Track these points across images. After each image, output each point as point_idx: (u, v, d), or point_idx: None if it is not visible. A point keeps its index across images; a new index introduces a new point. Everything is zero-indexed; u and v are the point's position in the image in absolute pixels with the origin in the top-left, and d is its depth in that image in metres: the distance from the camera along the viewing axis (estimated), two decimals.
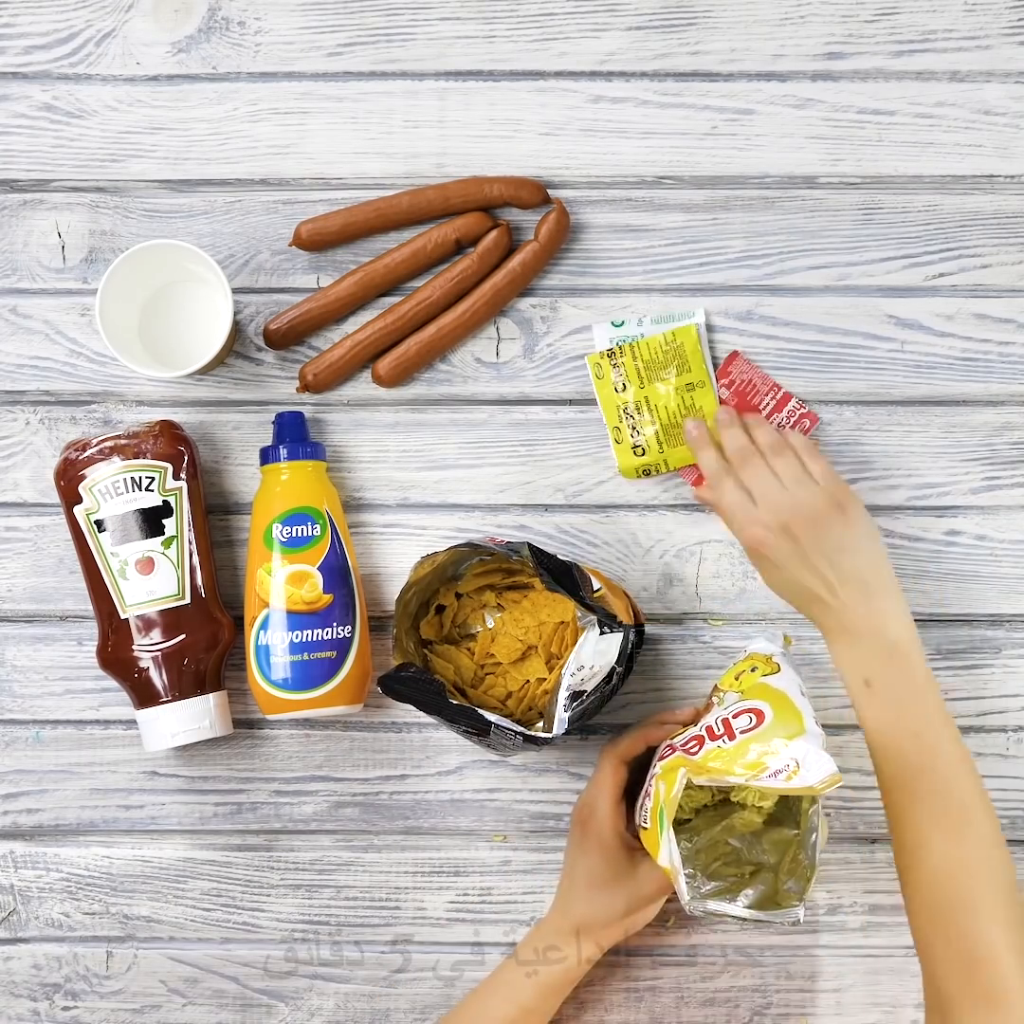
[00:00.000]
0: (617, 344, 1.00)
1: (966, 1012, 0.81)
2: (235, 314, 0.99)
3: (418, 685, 0.89)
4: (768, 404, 1.00)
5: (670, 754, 0.87)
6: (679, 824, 0.91)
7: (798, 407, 1.00)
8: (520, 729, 0.88)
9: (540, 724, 0.93)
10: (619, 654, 0.89)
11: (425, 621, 0.97)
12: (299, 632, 0.95)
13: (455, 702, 0.89)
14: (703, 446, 0.96)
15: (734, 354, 1.00)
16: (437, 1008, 0.99)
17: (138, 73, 1.01)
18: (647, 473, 1.00)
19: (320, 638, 0.95)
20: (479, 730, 0.88)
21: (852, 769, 0.99)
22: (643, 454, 0.99)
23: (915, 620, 1.00)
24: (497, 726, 0.87)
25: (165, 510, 0.95)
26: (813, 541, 0.90)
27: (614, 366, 0.99)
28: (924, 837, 0.84)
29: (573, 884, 0.93)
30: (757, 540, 0.91)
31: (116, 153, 1.01)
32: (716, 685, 0.93)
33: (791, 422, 1.00)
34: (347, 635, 0.96)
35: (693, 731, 0.87)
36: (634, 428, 0.99)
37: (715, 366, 1.00)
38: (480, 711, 0.88)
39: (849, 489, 0.92)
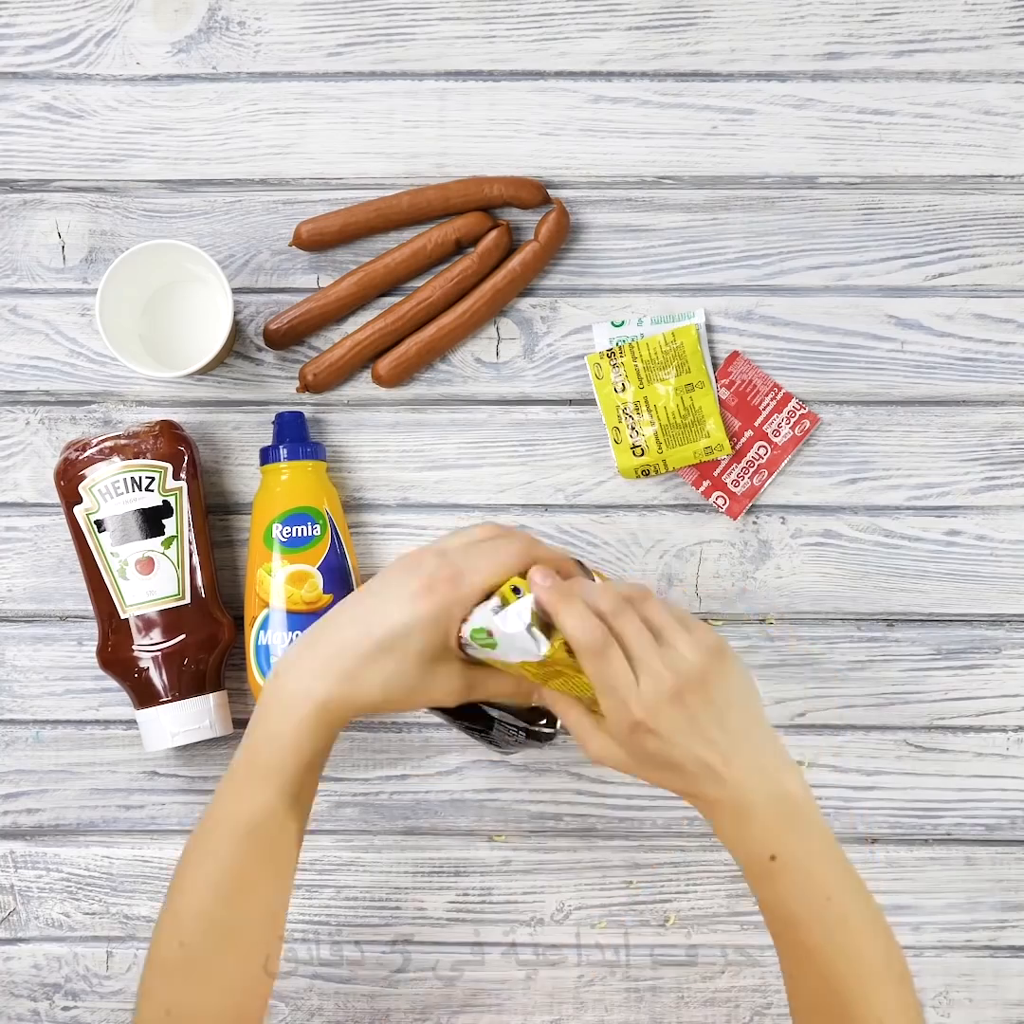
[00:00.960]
0: (617, 344, 1.00)
1: None
2: (235, 314, 0.99)
3: None
4: (768, 404, 1.00)
5: None
6: None
7: (798, 407, 1.00)
8: (523, 724, 0.88)
9: (544, 721, 0.93)
10: None
11: None
12: (299, 632, 0.95)
13: None
14: (569, 604, 0.75)
15: (734, 354, 1.00)
16: (437, 1008, 0.99)
17: (138, 73, 1.01)
18: (646, 473, 1.00)
19: None
20: (482, 725, 0.88)
21: (851, 769, 1.00)
22: (642, 454, 0.99)
23: (915, 620, 1.00)
24: (500, 722, 0.88)
25: (165, 510, 0.96)
26: (703, 704, 0.74)
27: (614, 366, 0.99)
28: (839, 999, 0.76)
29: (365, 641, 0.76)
30: (647, 715, 0.74)
31: (116, 153, 1.01)
32: None
33: (791, 422, 1.00)
34: None
35: None
36: (633, 428, 0.99)
37: (715, 366, 1.00)
38: (482, 706, 0.88)
39: (710, 626, 0.80)
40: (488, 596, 0.77)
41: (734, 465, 1.00)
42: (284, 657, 0.78)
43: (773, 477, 1.00)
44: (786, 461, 1.00)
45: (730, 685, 0.76)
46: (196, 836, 0.79)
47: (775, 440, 1.00)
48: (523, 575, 0.77)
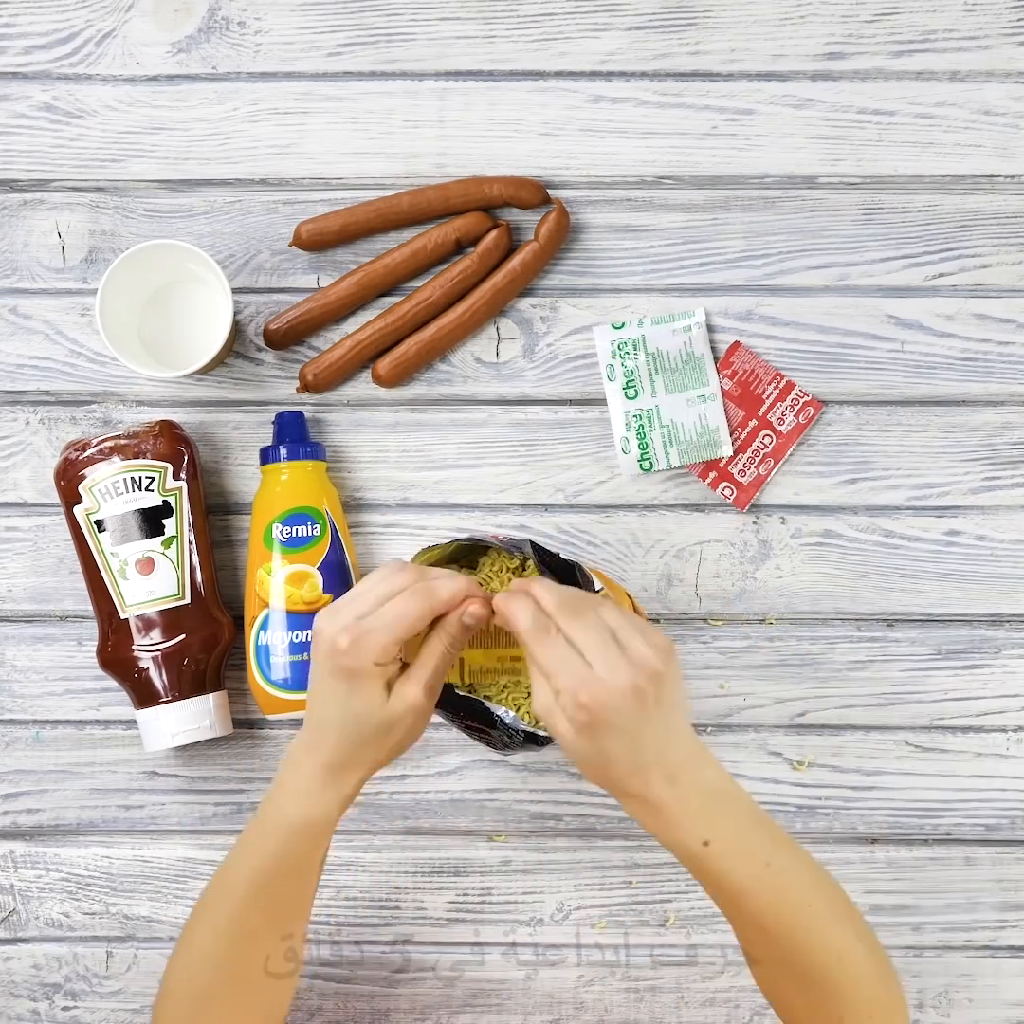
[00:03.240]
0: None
1: None
2: (235, 314, 0.99)
3: None
4: (771, 393, 1.00)
5: None
6: None
7: (801, 395, 1.00)
8: (523, 727, 0.88)
9: (542, 723, 0.93)
10: None
11: None
12: (299, 632, 0.95)
13: (461, 693, 0.89)
14: (516, 597, 0.78)
15: (735, 345, 1.00)
16: (437, 1008, 0.99)
17: (138, 73, 1.01)
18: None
19: None
20: (484, 724, 0.88)
21: (851, 769, 1.00)
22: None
23: (915, 620, 1.00)
24: (502, 721, 0.87)
25: (165, 510, 0.96)
26: (655, 702, 0.74)
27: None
28: (794, 952, 0.79)
29: (337, 729, 0.79)
30: (600, 703, 0.73)
31: (116, 153, 1.01)
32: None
33: (795, 410, 1.00)
34: None
35: None
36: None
37: (716, 360, 1.00)
38: (486, 704, 0.88)
39: (658, 628, 0.81)
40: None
41: (740, 455, 1.00)
42: (283, 778, 0.81)
43: (780, 466, 1.00)
44: (792, 449, 1.00)
45: (676, 687, 0.76)
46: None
47: (779, 429, 1.00)
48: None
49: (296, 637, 0.95)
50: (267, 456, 0.98)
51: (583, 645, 0.75)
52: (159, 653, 0.95)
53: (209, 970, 0.82)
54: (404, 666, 0.80)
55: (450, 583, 0.79)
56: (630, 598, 0.95)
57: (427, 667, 0.80)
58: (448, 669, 0.82)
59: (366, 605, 0.77)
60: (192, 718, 0.95)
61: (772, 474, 1.00)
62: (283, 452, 0.97)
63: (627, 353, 0.99)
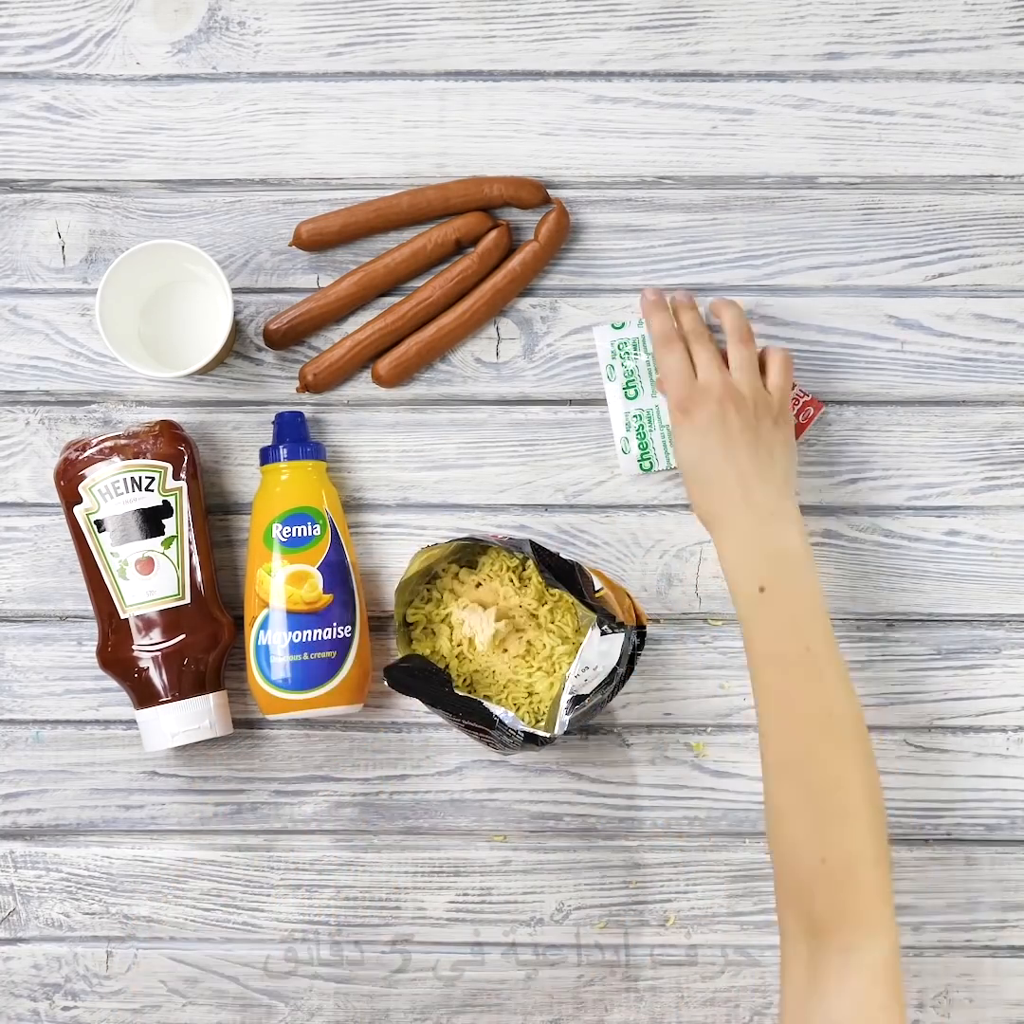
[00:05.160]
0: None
1: (833, 933, 0.80)
2: (235, 314, 0.99)
3: (424, 676, 0.89)
4: None
5: None
6: None
7: (801, 395, 1.00)
8: (522, 727, 0.88)
9: (542, 723, 0.93)
10: (621, 655, 0.89)
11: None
12: (299, 632, 0.95)
13: (461, 694, 0.89)
14: (659, 309, 0.94)
15: None
16: (437, 1008, 0.99)
17: (138, 73, 1.01)
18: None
19: (320, 638, 0.95)
20: (484, 724, 0.88)
21: None
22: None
23: (915, 620, 1.00)
24: (501, 721, 0.88)
25: (165, 510, 0.96)
26: (743, 425, 0.88)
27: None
28: (811, 747, 0.82)
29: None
30: (686, 396, 0.89)
31: (116, 153, 1.01)
32: None
33: (796, 409, 0.99)
34: (347, 635, 0.96)
35: None
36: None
37: None
38: (485, 704, 0.88)
39: (789, 404, 0.93)
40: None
41: None
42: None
43: None
44: None
45: (773, 433, 0.90)
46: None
47: None
48: None
49: (296, 637, 0.95)
50: (267, 456, 0.98)
51: (697, 358, 0.91)
52: (159, 653, 0.95)
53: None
54: None
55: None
56: (630, 598, 0.95)
57: None
58: None
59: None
60: (192, 718, 0.95)
61: None
62: (283, 452, 0.97)
63: (627, 353, 0.99)
